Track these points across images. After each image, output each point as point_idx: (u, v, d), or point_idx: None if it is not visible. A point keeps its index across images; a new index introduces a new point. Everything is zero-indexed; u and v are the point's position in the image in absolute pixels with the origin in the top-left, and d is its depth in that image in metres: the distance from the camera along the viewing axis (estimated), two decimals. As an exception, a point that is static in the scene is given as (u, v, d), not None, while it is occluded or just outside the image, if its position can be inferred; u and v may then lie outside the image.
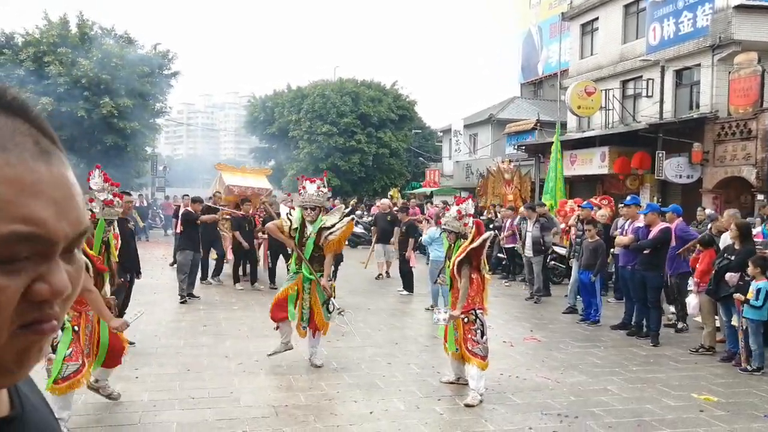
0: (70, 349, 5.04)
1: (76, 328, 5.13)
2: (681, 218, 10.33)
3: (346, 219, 7.38)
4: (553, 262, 14.20)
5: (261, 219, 13.52)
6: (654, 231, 9.23)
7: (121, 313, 6.85)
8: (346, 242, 8.29)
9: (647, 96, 20.20)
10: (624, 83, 21.84)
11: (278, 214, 9.12)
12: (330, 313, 7.27)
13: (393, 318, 10.58)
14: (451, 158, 34.24)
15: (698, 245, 9.09)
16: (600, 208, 12.90)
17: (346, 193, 33.58)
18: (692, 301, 8.97)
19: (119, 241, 6.27)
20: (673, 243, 9.61)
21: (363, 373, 7.10)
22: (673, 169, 17.49)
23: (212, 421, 5.53)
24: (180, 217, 12.86)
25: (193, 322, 9.70)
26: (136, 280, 9.19)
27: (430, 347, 8.41)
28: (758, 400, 6.49)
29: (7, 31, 27.88)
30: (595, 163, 19.97)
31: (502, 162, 23.45)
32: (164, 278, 13.89)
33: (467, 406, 6.05)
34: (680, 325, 9.95)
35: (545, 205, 15.27)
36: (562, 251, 13.94)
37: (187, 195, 15.10)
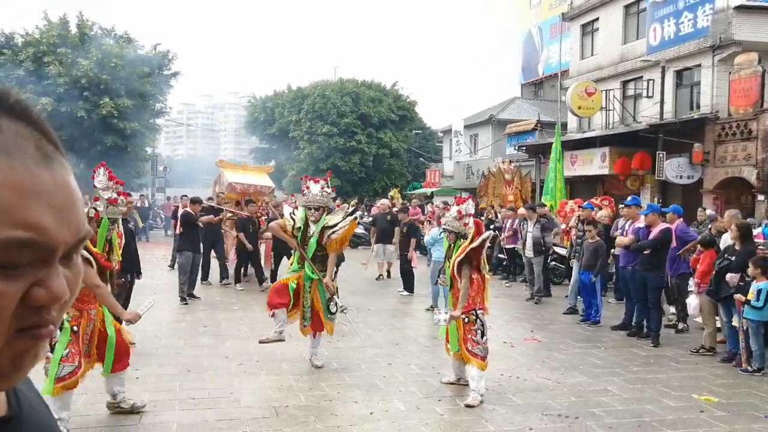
0: (68, 350, 5.03)
1: (75, 328, 5.11)
2: (681, 219, 10.33)
3: (349, 218, 7.38)
4: (553, 263, 14.21)
5: (265, 220, 13.52)
6: (654, 231, 9.22)
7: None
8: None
9: (648, 96, 20.19)
10: (624, 84, 21.84)
11: (282, 215, 9.12)
12: (332, 314, 7.26)
13: (393, 318, 10.58)
14: (451, 159, 34.23)
15: (699, 246, 9.09)
16: (601, 208, 12.90)
17: (347, 193, 33.55)
18: (693, 301, 8.97)
19: (123, 240, 6.26)
20: (674, 244, 9.61)
21: (363, 374, 7.10)
22: (674, 169, 17.49)
23: (212, 421, 5.53)
24: (179, 218, 12.85)
25: (194, 323, 9.70)
26: (136, 281, 9.20)
27: (430, 348, 8.41)
28: (759, 401, 6.49)
29: (7, 32, 27.90)
30: (595, 163, 19.97)
31: (503, 162, 23.44)
32: (164, 279, 13.88)
33: (468, 406, 6.04)
34: (681, 325, 9.95)
35: (546, 205, 15.27)
36: (563, 252, 13.94)
37: (186, 196, 15.10)
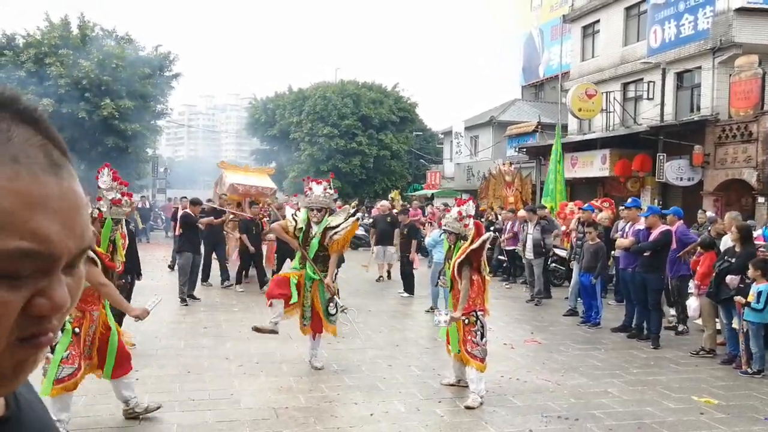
0: (68, 352, 5.00)
1: (77, 330, 5.07)
2: (682, 221, 10.33)
3: (351, 219, 7.41)
4: (553, 265, 14.21)
5: (268, 222, 13.50)
6: (655, 233, 9.23)
7: (121, 316, 6.84)
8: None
9: (648, 98, 20.19)
10: (625, 86, 21.84)
11: (284, 217, 9.14)
12: (332, 315, 7.27)
13: (394, 320, 10.58)
14: (452, 160, 34.23)
15: (699, 248, 9.09)
16: (601, 210, 12.90)
17: (347, 195, 33.55)
18: (693, 303, 8.97)
19: (127, 241, 6.25)
20: (674, 246, 9.61)
21: (363, 375, 7.10)
22: (674, 171, 17.49)
23: (212, 422, 5.53)
24: (179, 219, 12.85)
25: (194, 324, 9.70)
26: (136, 282, 9.20)
27: (430, 349, 8.41)
28: (759, 403, 6.49)
29: (8, 33, 27.92)
30: (595, 165, 19.98)
31: (503, 164, 23.45)
32: (164, 280, 13.89)
33: (468, 408, 6.05)
34: (681, 327, 9.95)
35: (546, 207, 15.28)
36: (563, 253, 13.93)
37: (185, 197, 15.09)
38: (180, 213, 13.43)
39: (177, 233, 13.07)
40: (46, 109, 24.14)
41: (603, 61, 22.87)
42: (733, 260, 7.87)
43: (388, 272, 15.10)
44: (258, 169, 18.34)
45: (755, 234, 9.32)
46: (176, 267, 12.76)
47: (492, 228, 14.89)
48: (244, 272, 13.29)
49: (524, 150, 25.22)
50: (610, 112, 21.70)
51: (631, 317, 9.74)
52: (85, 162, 25.99)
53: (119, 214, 5.73)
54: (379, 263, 14.94)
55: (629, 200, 10.84)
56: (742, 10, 17.02)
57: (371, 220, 17.43)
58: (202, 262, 12.55)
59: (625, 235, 10.02)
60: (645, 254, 9.21)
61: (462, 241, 6.53)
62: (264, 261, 13.66)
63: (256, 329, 7.26)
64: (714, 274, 8.10)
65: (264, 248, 13.83)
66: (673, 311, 10.35)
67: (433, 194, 34.91)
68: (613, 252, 10.81)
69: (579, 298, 10.94)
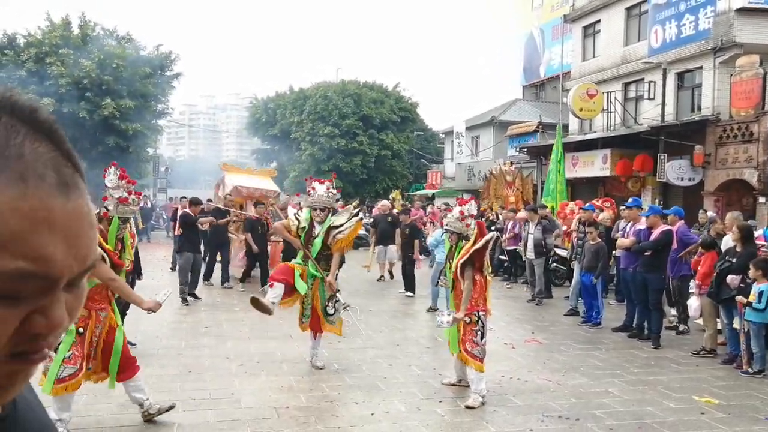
0: (71, 352, 4.98)
1: (81, 330, 5.04)
2: (683, 221, 10.33)
3: (355, 219, 7.42)
4: (554, 264, 14.20)
5: (273, 221, 13.47)
6: (655, 233, 9.23)
7: (123, 315, 6.84)
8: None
9: (649, 98, 20.19)
10: (626, 85, 21.84)
11: (288, 217, 9.13)
12: (330, 315, 7.26)
13: (394, 319, 10.58)
14: (453, 160, 34.24)
15: (700, 248, 9.09)
16: (602, 210, 12.90)
17: (348, 194, 33.57)
18: (693, 303, 8.97)
19: (135, 240, 6.21)
20: (675, 245, 9.61)
21: (364, 375, 7.10)
22: (675, 171, 17.49)
23: (213, 422, 5.53)
24: (178, 219, 12.85)
25: (195, 324, 9.71)
26: (137, 281, 9.20)
27: (431, 349, 8.41)
28: (759, 403, 6.49)
29: (9, 32, 27.94)
30: (596, 165, 19.98)
31: (504, 164, 23.44)
32: (165, 280, 13.88)
33: (468, 407, 6.05)
34: (681, 327, 9.95)
35: (547, 207, 15.27)
36: (564, 253, 13.94)
37: (185, 197, 15.07)
38: (179, 213, 13.42)
39: (177, 233, 13.07)
40: (47, 108, 24.13)
41: (604, 61, 22.87)
42: (734, 260, 7.87)
43: (390, 272, 15.09)
44: (261, 171, 18.32)
45: (756, 234, 9.31)
46: (177, 267, 12.75)
47: (493, 228, 14.89)
48: (251, 272, 13.26)
49: (525, 150, 25.23)
50: (611, 112, 21.70)
51: (632, 317, 9.74)
52: (86, 162, 25.61)
53: (127, 213, 5.65)
54: (380, 263, 14.94)
55: (630, 200, 10.84)
56: (743, 10, 17.01)
57: (372, 220, 17.42)
58: (205, 261, 12.53)
59: (626, 234, 10.02)
60: (646, 254, 9.21)
61: (464, 241, 6.54)
62: (269, 262, 13.65)
63: (254, 301, 7.03)
64: (715, 274, 8.11)
65: (269, 249, 13.83)
66: (673, 311, 10.35)
67: (434, 194, 34.92)
68: (613, 252, 10.82)
69: (580, 298, 10.94)
